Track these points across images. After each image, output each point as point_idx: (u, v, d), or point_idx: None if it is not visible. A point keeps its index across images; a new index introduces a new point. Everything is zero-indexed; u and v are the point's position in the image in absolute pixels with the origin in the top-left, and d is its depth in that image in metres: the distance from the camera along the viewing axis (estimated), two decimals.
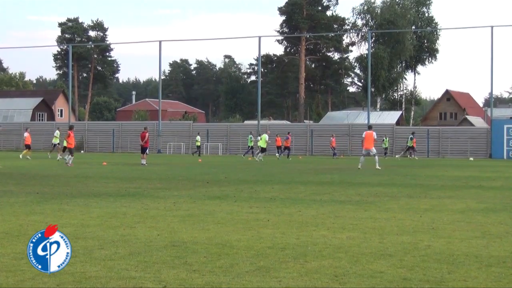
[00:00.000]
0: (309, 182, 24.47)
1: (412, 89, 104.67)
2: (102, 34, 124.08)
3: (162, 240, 10.57)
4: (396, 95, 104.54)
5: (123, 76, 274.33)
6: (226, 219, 13.33)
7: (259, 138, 52.27)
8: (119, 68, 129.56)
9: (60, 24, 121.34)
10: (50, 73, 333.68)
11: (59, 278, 7.82)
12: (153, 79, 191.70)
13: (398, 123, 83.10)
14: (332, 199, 17.64)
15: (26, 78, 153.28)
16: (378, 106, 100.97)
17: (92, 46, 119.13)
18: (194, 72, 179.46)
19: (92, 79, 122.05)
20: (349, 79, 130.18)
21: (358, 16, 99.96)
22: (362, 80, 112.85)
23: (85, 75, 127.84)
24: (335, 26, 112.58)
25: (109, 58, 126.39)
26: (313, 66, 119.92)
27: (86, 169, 32.82)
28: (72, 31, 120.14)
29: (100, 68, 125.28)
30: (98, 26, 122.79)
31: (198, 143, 61.53)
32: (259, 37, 68.62)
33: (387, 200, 17.61)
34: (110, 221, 12.91)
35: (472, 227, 12.35)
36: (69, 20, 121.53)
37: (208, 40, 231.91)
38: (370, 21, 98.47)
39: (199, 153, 61.33)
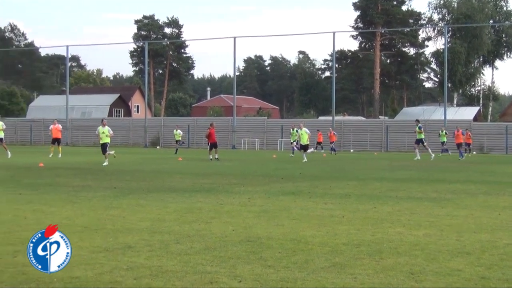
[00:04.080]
0: (384, 179, 24.23)
1: (490, 85, 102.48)
2: (177, 31, 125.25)
3: (237, 235, 10.61)
4: (473, 90, 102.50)
5: (198, 72, 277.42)
6: (301, 215, 13.31)
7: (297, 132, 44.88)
8: (194, 65, 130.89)
9: (136, 21, 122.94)
10: (127, 69, 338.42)
11: (136, 271, 7.94)
12: (228, 75, 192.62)
13: (475, 119, 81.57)
14: (408, 196, 17.44)
15: (103, 75, 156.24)
16: (455, 101, 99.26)
17: (168, 43, 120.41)
18: (268, 68, 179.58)
19: (167, 75, 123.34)
20: (425, 75, 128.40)
21: (434, 11, 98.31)
22: (438, 76, 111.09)
23: (160, 71, 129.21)
24: (411, 20, 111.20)
25: (185, 55, 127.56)
26: (388, 61, 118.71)
27: (162, 165, 33.19)
28: (148, 28, 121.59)
29: (175, 65, 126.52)
30: (174, 23, 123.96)
31: (178, 137, 53.64)
32: (334, 33, 68.27)
33: (464, 197, 17.32)
34: (186, 216, 13.03)
35: None
36: (145, 17, 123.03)
37: (282, 36, 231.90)
38: (446, 15, 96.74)
39: (176, 149, 52.06)
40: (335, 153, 52.84)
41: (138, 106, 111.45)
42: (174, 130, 55.00)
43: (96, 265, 8.30)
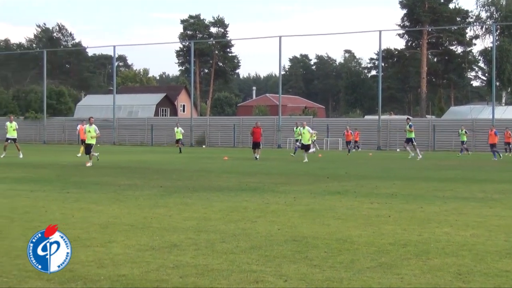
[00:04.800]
0: (430, 178, 24.03)
1: None
2: (223, 30, 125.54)
3: (283, 235, 10.61)
4: None
5: (243, 71, 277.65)
6: (347, 214, 13.26)
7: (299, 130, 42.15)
8: (239, 64, 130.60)
9: (182, 21, 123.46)
10: (173, 69, 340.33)
11: (182, 270, 7.98)
12: (273, 75, 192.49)
13: None
14: (455, 196, 17.27)
15: (150, 75, 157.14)
16: (503, 100, 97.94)
17: (214, 42, 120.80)
18: (314, 67, 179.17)
19: (213, 74, 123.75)
20: (473, 73, 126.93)
21: (482, 9, 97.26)
22: (486, 74, 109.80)
23: (206, 71, 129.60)
24: (458, 19, 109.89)
25: (230, 54, 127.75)
26: (435, 60, 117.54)
27: (207, 164, 33.32)
28: (194, 27, 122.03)
29: (221, 64, 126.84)
30: (219, 22, 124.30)
31: (179, 135, 50.58)
32: (380, 31, 67.76)
33: None
34: (232, 215, 13.06)
35: None
36: (191, 17, 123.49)
37: (328, 35, 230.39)
38: (494, 13, 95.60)
39: (180, 149, 49.71)
40: (349, 153, 50.92)
41: (184, 106, 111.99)
42: (175, 128, 51.15)
43: (142, 263, 8.36)
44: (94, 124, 31.58)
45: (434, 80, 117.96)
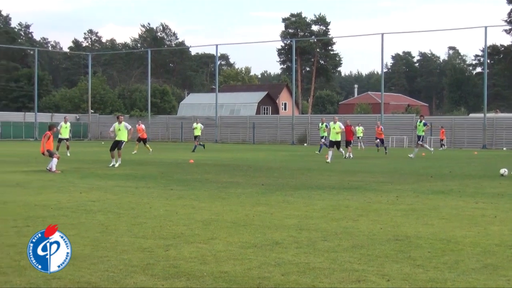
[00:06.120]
0: None
1: None
2: (324, 28, 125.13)
3: (385, 234, 10.50)
4: None
5: (345, 69, 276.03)
6: (451, 214, 13.01)
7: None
8: (341, 62, 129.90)
9: (284, 20, 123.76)
10: (274, 67, 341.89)
11: (284, 267, 8.00)
12: (375, 72, 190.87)
13: None
14: None
15: (252, 73, 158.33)
16: None
17: (315, 40, 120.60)
18: (417, 64, 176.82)
19: (315, 72, 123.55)
20: None
21: None
22: None
23: (308, 69, 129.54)
24: None
25: (332, 52, 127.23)
26: None
27: (309, 162, 33.30)
28: (295, 26, 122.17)
29: (322, 62, 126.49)
30: (321, 20, 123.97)
31: (198, 132, 46.82)
32: (485, 27, 66.20)
33: None
34: (333, 213, 13.01)
35: None
36: (292, 15, 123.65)
37: (431, 31, 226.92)
38: None
39: (201, 145, 46.73)
40: (378, 150, 48.09)
41: (285, 104, 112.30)
42: (194, 124, 47.82)
43: (244, 260, 8.42)
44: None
45: None
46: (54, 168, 24.49)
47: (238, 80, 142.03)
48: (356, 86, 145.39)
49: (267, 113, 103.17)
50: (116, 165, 27.74)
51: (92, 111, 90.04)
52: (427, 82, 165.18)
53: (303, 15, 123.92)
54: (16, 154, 35.42)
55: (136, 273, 7.66)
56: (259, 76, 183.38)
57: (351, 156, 37.93)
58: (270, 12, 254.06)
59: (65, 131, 38.61)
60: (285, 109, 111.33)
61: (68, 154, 36.61)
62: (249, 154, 42.27)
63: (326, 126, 42.20)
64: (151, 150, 41.59)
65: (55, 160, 24.78)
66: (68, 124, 39.21)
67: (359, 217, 12.51)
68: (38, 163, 29.26)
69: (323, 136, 43.70)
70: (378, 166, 30.01)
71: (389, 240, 9.98)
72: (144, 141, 43.23)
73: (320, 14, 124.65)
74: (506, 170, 24.15)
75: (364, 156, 38.90)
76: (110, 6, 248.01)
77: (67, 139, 38.69)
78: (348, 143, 39.31)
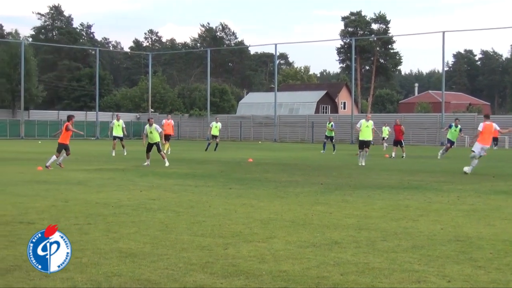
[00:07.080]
0: None
1: None
2: (384, 26, 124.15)
3: (446, 234, 10.38)
4: None
5: (405, 68, 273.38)
6: None
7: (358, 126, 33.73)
8: (401, 60, 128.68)
9: (343, 18, 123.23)
10: (333, 66, 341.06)
11: (343, 267, 7.96)
12: (436, 71, 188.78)
13: None
14: None
15: (311, 72, 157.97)
16: None
17: (375, 39, 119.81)
18: (479, 62, 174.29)
19: (374, 71, 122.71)
20: None
21: None
22: None
23: (367, 67, 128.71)
24: None
25: (392, 51, 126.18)
26: None
27: (368, 161, 33.07)
28: (355, 24, 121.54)
29: (382, 61, 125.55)
30: (381, 18, 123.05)
31: (216, 131, 44.39)
32: None
33: None
34: (393, 213, 12.91)
35: None
36: (352, 13, 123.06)
37: (494, 29, 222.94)
38: None
39: (215, 145, 43.99)
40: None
41: (344, 103, 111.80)
42: (213, 122, 45.08)
43: (303, 260, 8.40)
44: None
45: None
46: (48, 163, 25.35)
47: (297, 79, 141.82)
48: (416, 84, 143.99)
49: (326, 112, 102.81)
50: (167, 164, 27.52)
51: (152, 110, 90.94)
52: (489, 80, 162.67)
53: (363, 14, 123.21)
54: (77, 152, 35.91)
55: (195, 271, 7.71)
56: (318, 75, 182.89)
57: (404, 155, 37.71)
58: (330, 11, 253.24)
59: (117, 129, 38.25)
60: (344, 108, 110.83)
61: (125, 153, 36.73)
62: (308, 153, 42.20)
63: (332, 126, 42.60)
64: (169, 150, 39.01)
65: (54, 157, 25.70)
66: (121, 121, 38.68)
67: (419, 217, 12.39)
68: (99, 162, 29.69)
69: (330, 136, 43.19)
70: (440, 166, 29.67)
71: (450, 240, 9.86)
72: (168, 138, 39.68)
73: (380, 13, 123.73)
74: None
75: (426, 155, 38.40)
76: (170, 6, 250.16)
77: (121, 138, 38.19)
78: (399, 143, 38.75)
